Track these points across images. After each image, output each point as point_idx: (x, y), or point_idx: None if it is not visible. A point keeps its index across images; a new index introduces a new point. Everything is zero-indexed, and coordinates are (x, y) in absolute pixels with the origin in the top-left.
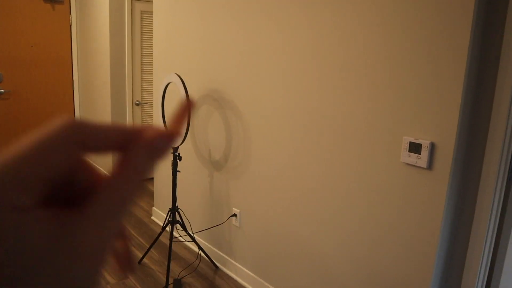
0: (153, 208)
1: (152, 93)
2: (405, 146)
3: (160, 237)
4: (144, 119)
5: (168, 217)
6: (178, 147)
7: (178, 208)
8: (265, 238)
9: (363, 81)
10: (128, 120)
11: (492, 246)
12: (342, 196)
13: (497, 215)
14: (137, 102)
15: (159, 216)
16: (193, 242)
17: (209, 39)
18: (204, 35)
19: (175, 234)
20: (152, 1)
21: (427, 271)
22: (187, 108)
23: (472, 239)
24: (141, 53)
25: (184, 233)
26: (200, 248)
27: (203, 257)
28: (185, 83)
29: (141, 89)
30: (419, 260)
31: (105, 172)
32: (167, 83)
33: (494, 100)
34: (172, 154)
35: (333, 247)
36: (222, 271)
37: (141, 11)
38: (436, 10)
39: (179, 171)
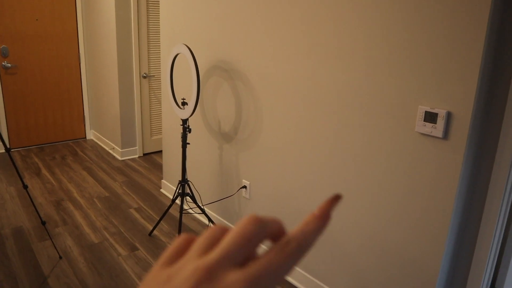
0: (162, 180)
1: (159, 66)
2: (420, 115)
3: (170, 210)
4: (152, 92)
5: (178, 190)
6: (187, 119)
7: (188, 180)
8: (275, 210)
9: (377, 49)
10: (136, 93)
11: (506, 218)
12: (354, 169)
13: None
14: (144, 75)
15: (168, 188)
16: (203, 214)
17: (218, 9)
18: (212, 5)
19: (185, 206)
20: None
21: (440, 244)
22: (335, 199)
23: (486, 210)
24: (148, 25)
25: (193, 205)
26: (210, 220)
27: None
28: (194, 54)
29: (148, 62)
30: (433, 233)
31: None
32: (175, 54)
33: None
34: (182, 126)
35: (344, 222)
36: None
37: None
38: None
39: (188, 143)
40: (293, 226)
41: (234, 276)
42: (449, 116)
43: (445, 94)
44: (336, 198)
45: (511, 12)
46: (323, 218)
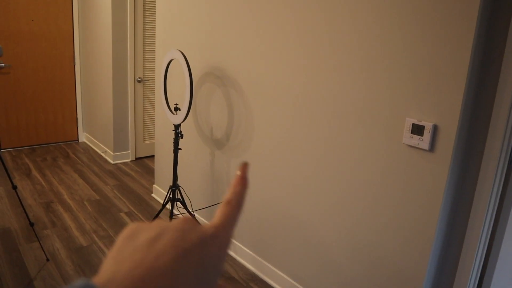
0: (154, 185)
1: (154, 70)
2: (408, 127)
3: (160, 214)
4: (146, 96)
5: (168, 195)
6: (179, 124)
7: (179, 186)
8: (265, 218)
9: (365, 61)
10: (130, 97)
11: (490, 229)
12: (343, 179)
13: (496, 200)
14: (139, 79)
15: (159, 193)
16: None
17: (212, 16)
18: (207, 12)
19: (175, 211)
20: None
21: (425, 253)
22: (244, 166)
23: (471, 221)
24: (144, 29)
25: (184, 210)
26: None
27: None
28: (188, 60)
29: (144, 66)
30: (419, 244)
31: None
32: (169, 59)
33: (499, 83)
34: (174, 132)
35: (332, 231)
36: None
37: None
38: None
39: (180, 149)
40: (282, 238)
41: (206, 226)
42: (435, 129)
43: (432, 107)
44: (245, 165)
45: (497, 27)
46: (244, 178)
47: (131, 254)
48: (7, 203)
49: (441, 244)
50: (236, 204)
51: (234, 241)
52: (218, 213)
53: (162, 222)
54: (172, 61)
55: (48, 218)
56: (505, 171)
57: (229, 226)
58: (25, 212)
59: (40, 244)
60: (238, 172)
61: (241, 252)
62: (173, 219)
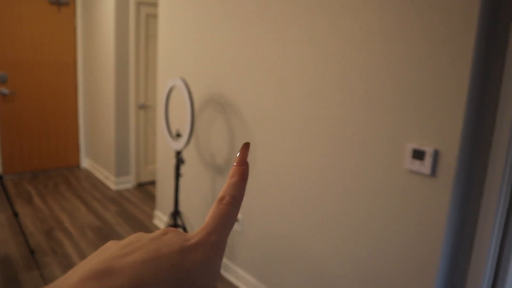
0: (155, 211)
1: (156, 96)
2: (409, 152)
3: None
4: (148, 122)
5: (169, 221)
6: (181, 151)
7: (180, 212)
8: (267, 243)
9: (364, 87)
10: (132, 122)
11: (496, 254)
12: (343, 203)
13: (501, 224)
14: (141, 105)
15: (161, 219)
16: None
17: (213, 44)
18: (208, 40)
19: None
20: (157, 5)
21: (429, 281)
22: (245, 147)
23: (475, 249)
24: (147, 56)
25: None
26: None
27: None
28: (189, 87)
29: (146, 92)
30: (421, 270)
31: None
32: (169, 87)
33: (499, 106)
34: (175, 158)
35: (334, 255)
36: (223, 276)
37: (147, 14)
38: (440, 15)
39: (182, 175)
40: (284, 263)
41: (191, 233)
42: (436, 153)
43: (432, 132)
44: (246, 145)
45: (495, 49)
46: (242, 164)
47: (94, 257)
48: (8, 230)
49: (446, 271)
50: (230, 201)
51: (235, 266)
52: (209, 214)
53: (140, 233)
54: (174, 88)
55: (49, 245)
56: (509, 193)
57: (221, 228)
58: (26, 239)
59: (40, 273)
60: (236, 160)
61: (242, 278)
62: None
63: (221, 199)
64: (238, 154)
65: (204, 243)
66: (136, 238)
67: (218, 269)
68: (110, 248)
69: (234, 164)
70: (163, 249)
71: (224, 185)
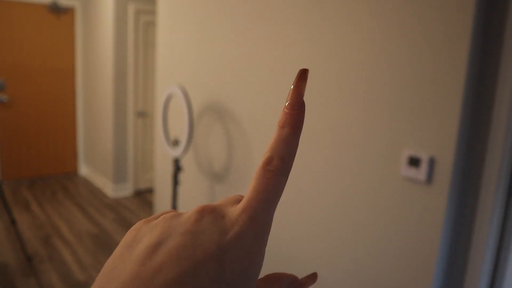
0: None
1: (154, 103)
2: (404, 159)
3: None
4: (147, 129)
5: None
6: (179, 158)
7: None
8: (267, 252)
9: (361, 92)
10: (130, 130)
11: (493, 261)
12: (339, 210)
13: (497, 231)
14: (140, 112)
15: None
16: None
17: (212, 51)
18: (207, 48)
19: None
20: (156, 13)
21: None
22: (302, 75)
23: (471, 256)
24: (146, 63)
25: None
26: None
27: None
28: (188, 95)
29: (145, 100)
30: (417, 276)
31: None
32: (168, 94)
33: (494, 113)
34: (173, 165)
35: (329, 260)
36: None
37: (146, 21)
38: (435, 23)
39: (179, 183)
40: (281, 263)
41: (233, 208)
42: (432, 160)
43: (428, 139)
44: (302, 74)
45: (490, 57)
46: (296, 108)
47: (124, 269)
48: (5, 236)
49: (442, 278)
50: (279, 166)
51: None
52: (251, 186)
53: (170, 219)
54: (172, 95)
55: (46, 252)
56: (504, 200)
57: (267, 206)
58: (23, 246)
59: (36, 279)
60: (287, 100)
61: None
62: (186, 212)
63: (268, 162)
64: (291, 90)
65: (247, 233)
66: (164, 232)
67: (262, 258)
68: (138, 246)
69: (286, 106)
70: (198, 254)
71: (221, 195)
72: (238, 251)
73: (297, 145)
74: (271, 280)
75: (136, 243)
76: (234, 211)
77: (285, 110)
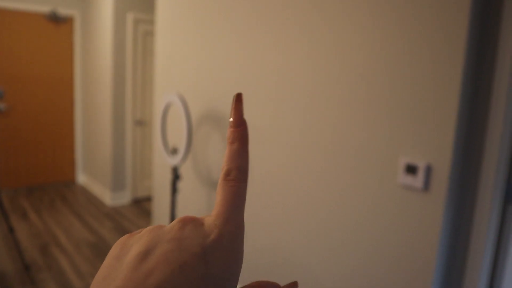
0: None
1: (153, 112)
2: (401, 167)
3: None
4: (146, 137)
5: None
6: (177, 166)
7: None
8: (267, 262)
9: (359, 100)
10: (129, 138)
11: (491, 268)
12: (336, 218)
13: (494, 237)
14: (138, 120)
15: None
16: None
17: (210, 60)
18: (205, 57)
19: None
20: (154, 22)
21: None
22: (237, 100)
23: (469, 263)
24: (144, 72)
25: None
26: None
27: None
28: (186, 103)
29: (143, 108)
30: (415, 283)
31: None
32: (166, 102)
33: (489, 120)
34: (172, 173)
35: (326, 267)
36: None
37: (144, 31)
38: (431, 30)
39: (178, 191)
40: (277, 270)
41: (208, 217)
42: (429, 168)
43: (425, 147)
44: (238, 97)
45: (485, 64)
46: (240, 125)
47: (117, 275)
48: (2, 245)
49: (440, 285)
50: (238, 175)
51: None
52: (218, 196)
53: (155, 230)
54: (171, 104)
55: (44, 261)
56: (501, 207)
57: (237, 210)
58: (21, 255)
59: None
60: (232, 122)
61: None
62: (170, 224)
63: (228, 173)
64: (231, 111)
65: (225, 234)
66: (151, 241)
67: (242, 254)
68: (126, 257)
69: (231, 125)
70: (185, 256)
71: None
72: (221, 250)
73: (248, 155)
74: None
75: (124, 254)
76: (210, 219)
77: (231, 128)
